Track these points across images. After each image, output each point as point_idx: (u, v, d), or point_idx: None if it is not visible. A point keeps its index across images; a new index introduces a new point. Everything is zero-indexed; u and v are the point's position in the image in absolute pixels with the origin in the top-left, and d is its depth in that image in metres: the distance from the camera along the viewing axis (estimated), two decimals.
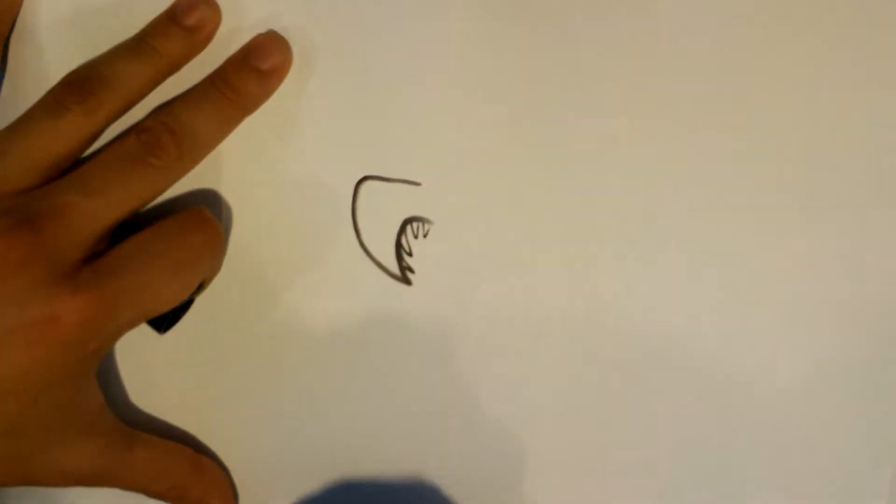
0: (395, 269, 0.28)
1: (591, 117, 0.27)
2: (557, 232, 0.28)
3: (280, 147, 0.28)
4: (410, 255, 0.28)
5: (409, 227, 0.28)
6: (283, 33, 0.28)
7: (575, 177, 0.28)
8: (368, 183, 0.28)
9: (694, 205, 0.27)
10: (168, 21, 0.27)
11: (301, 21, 0.28)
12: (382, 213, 0.28)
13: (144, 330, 0.28)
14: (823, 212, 0.27)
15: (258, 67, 0.27)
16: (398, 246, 0.28)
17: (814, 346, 0.28)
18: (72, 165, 0.26)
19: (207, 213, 0.27)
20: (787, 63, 0.27)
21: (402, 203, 0.28)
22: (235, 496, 0.30)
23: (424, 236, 0.28)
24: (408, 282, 0.28)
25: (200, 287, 0.28)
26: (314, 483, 0.30)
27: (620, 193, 0.27)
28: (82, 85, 0.26)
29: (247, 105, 0.28)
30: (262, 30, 0.28)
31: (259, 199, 0.29)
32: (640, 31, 0.27)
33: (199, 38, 0.27)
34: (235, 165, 0.29)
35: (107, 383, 0.29)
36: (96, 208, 0.25)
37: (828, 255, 0.27)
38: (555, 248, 0.28)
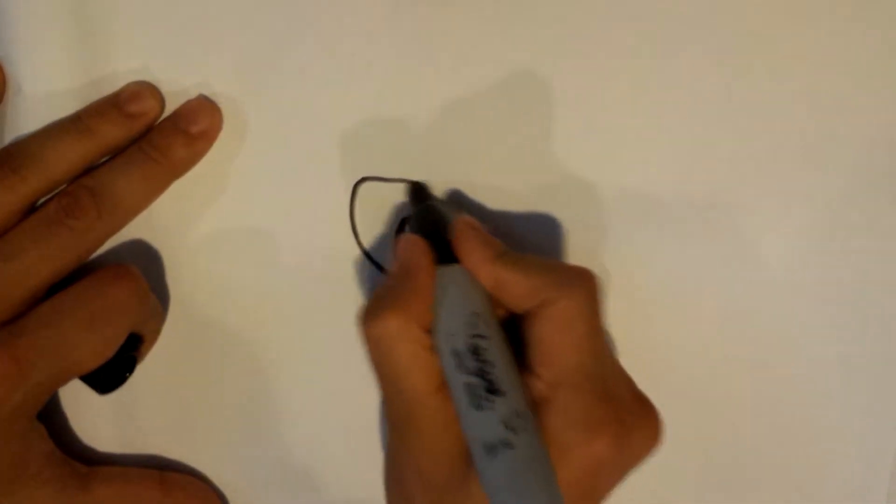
0: None
1: (589, 118, 0.27)
2: (555, 230, 0.28)
3: (277, 151, 0.28)
4: None
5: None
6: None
7: (574, 174, 0.28)
8: (366, 184, 0.28)
9: (693, 200, 0.28)
10: (109, 105, 0.27)
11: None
12: (380, 213, 0.28)
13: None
14: (823, 210, 0.27)
15: (187, 130, 0.28)
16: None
17: (814, 344, 0.28)
18: None
19: (129, 268, 0.27)
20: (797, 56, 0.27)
21: (400, 201, 0.28)
22: (225, 500, 0.30)
23: None
24: None
25: (140, 345, 0.28)
26: (313, 486, 0.30)
27: (620, 191, 0.28)
28: (6, 162, 0.26)
29: (174, 167, 0.28)
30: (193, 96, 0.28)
31: (257, 201, 0.29)
32: (645, 32, 0.27)
33: (137, 125, 0.28)
34: (235, 167, 0.29)
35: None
36: (12, 273, 0.25)
37: (828, 253, 0.28)
38: (553, 246, 0.28)
